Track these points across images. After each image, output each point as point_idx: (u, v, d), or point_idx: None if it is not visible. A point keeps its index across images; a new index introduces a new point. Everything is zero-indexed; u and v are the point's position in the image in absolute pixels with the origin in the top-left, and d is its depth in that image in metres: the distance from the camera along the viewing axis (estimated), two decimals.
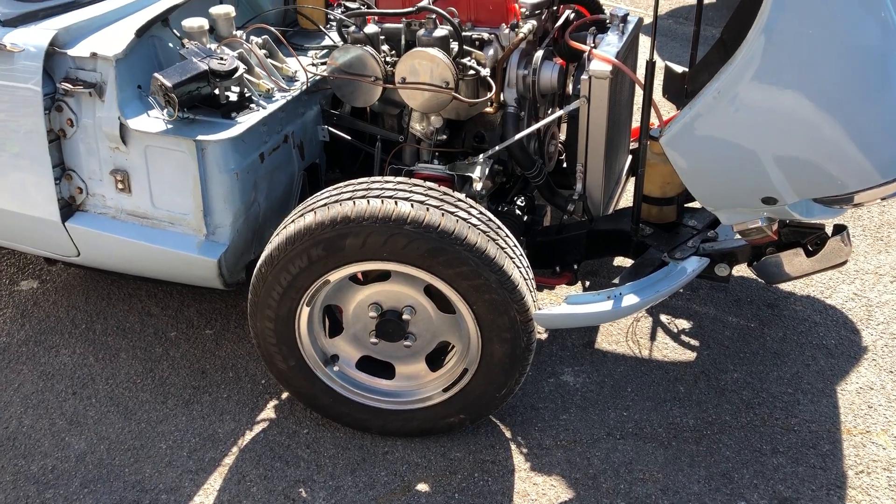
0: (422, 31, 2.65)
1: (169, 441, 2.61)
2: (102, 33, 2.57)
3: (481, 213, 2.33)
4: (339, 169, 3.20)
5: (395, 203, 2.22)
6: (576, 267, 2.86)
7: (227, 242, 2.55)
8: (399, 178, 2.34)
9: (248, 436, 2.63)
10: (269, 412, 2.72)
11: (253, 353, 2.98)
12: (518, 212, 2.82)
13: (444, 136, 2.84)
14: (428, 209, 2.22)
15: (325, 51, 3.02)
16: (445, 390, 2.48)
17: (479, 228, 2.25)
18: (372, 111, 2.95)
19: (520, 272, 2.30)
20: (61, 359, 2.97)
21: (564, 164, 3.23)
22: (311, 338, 2.48)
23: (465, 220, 2.24)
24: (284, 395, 2.78)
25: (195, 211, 2.53)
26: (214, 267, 2.56)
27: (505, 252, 2.28)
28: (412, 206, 2.22)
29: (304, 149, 2.82)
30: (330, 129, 2.89)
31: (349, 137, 2.94)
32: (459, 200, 2.31)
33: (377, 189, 2.29)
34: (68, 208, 2.69)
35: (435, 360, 2.55)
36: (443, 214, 2.22)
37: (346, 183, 2.37)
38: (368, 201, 2.23)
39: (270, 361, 2.51)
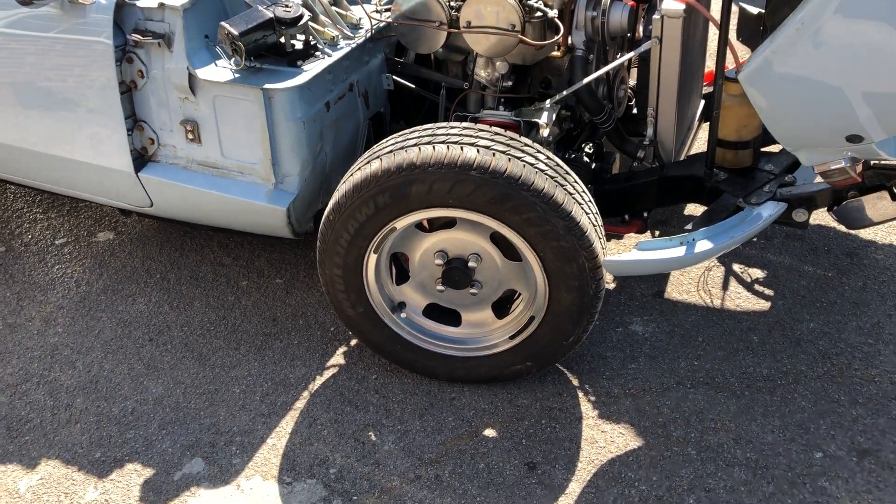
0: None
1: (242, 386, 2.68)
2: None
3: (549, 158, 2.29)
4: (404, 118, 3.19)
5: (461, 148, 2.20)
6: (645, 215, 2.79)
7: (296, 191, 2.58)
8: (464, 124, 2.31)
9: (319, 381, 2.68)
10: (338, 358, 2.76)
11: (322, 301, 3.02)
12: (586, 159, 2.77)
13: (510, 83, 2.79)
14: (494, 154, 2.19)
15: None
16: (512, 338, 2.48)
17: (546, 174, 2.21)
18: (436, 58, 2.91)
19: (588, 218, 2.26)
20: (138, 307, 3.06)
21: (634, 110, 3.14)
22: (379, 285, 2.50)
23: (532, 165, 2.21)
24: (353, 342, 2.82)
25: (264, 160, 2.55)
26: (283, 215, 2.59)
27: (573, 198, 2.24)
28: (478, 151, 2.19)
29: (369, 98, 2.81)
30: (394, 77, 2.86)
31: (413, 86, 2.91)
32: (526, 145, 2.28)
33: (442, 135, 2.26)
34: (141, 159, 2.74)
35: (501, 307, 2.54)
36: (509, 160, 2.19)
37: (410, 130, 2.35)
38: (434, 147, 2.21)
39: (339, 308, 2.54)
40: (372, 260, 2.42)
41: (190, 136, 2.62)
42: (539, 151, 2.28)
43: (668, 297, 2.92)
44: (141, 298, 3.11)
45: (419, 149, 2.22)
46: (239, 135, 2.55)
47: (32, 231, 3.52)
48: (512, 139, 2.27)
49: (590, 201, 2.33)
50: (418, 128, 2.35)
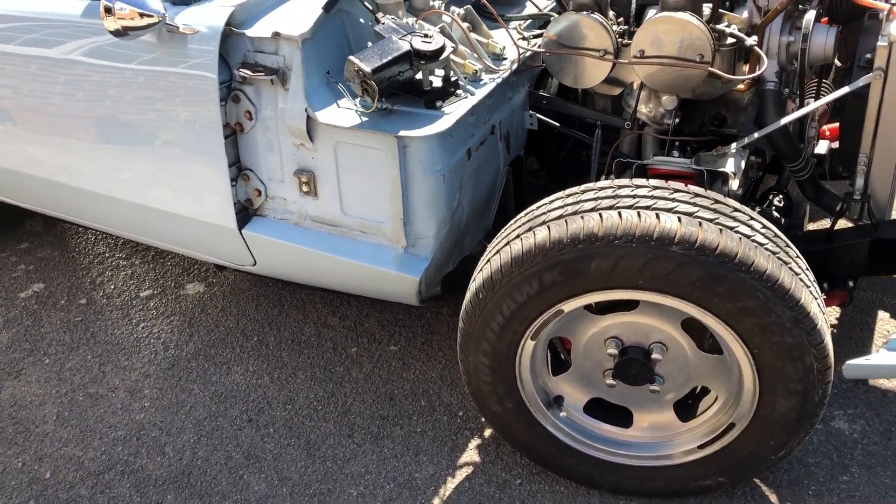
0: None
1: (360, 486, 2.25)
2: (284, 8, 2.19)
3: (765, 226, 1.80)
4: (540, 161, 2.73)
5: (657, 216, 1.72)
6: (851, 285, 2.27)
7: (430, 256, 2.14)
8: (654, 183, 1.84)
9: (451, 484, 2.22)
10: (471, 454, 2.31)
11: (445, 376, 2.58)
12: (776, 214, 2.26)
13: (676, 120, 2.30)
14: (700, 223, 1.71)
15: (528, 21, 2.53)
16: (701, 447, 1.98)
17: (767, 249, 1.72)
18: (583, 91, 2.45)
19: (817, 306, 1.76)
20: (233, 377, 2.66)
21: (818, 149, 2.62)
22: (533, 376, 2.03)
23: (748, 237, 1.72)
24: (487, 433, 2.36)
25: (393, 219, 2.12)
26: (414, 285, 2.15)
27: (800, 280, 1.74)
28: (679, 220, 1.71)
29: (510, 140, 2.36)
30: (538, 115, 2.41)
31: (558, 124, 2.45)
32: (737, 210, 1.79)
33: (628, 196, 1.80)
34: (244, 213, 2.34)
35: (684, 405, 2.05)
36: (720, 230, 1.71)
37: (584, 188, 1.89)
38: (620, 214, 1.74)
39: (482, 402, 2.09)
40: (528, 347, 1.96)
41: (304, 188, 2.21)
42: (753, 218, 1.79)
43: (874, 384, 2.39)
44: (237, 367, 2.71)
45: (600, 216, 1.75)
46: (364, 189, 2.13)
47: (115, 280, 3.17)
48: (718, 202, 1.79)
49: (814, 282, 1.83)
50: (592, 186, 1.88)
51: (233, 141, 2.24)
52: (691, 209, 1.74)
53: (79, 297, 3.09)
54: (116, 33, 2.11)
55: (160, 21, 2.11)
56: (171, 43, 2.17)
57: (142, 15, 2.09)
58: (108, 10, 2.08)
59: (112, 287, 3.14)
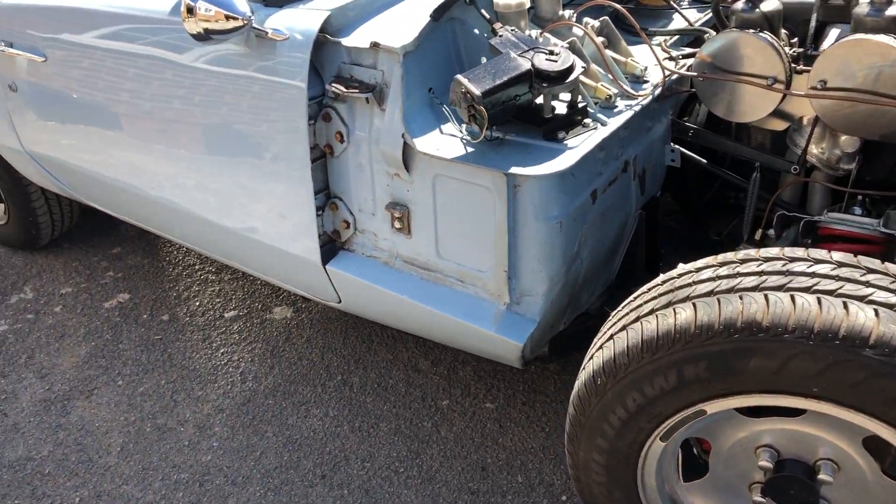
0: (864, 9, 1.67)
1: None
2: (387, 14, 1.88)
3: None
4: (679, 201, 2.32)
5: (845, 306, 1.30)
6: None
7: (537, 318, 1.78)
8: (840, 257, 1.41)
9: None
10: None
11: (548, 448, 2.21)
12: None
13: (853, 165, 1.85)
14: None
15: (674, 37, 2.13)
16: None
17: None
18: (737, 123, 2.03)
19: None
20: (311, 422, 2.38)
21: None
22: (659, 482, 1.64)
23: None
24: None
25: (495, 270, 1.77)
26: (517, 350, 1.80)
27: None
28: (876, 313, 1.28)
29: (646, 179, 1.97)
30: (682, 150, 2.01)
31: (705, 161, 2.04)
32: None
33: (804, 274, 1.38)
34: (331, 246, 2.05)
35: None
36: None
37: (743, 256, 1.48)
38: (794, 298, 1.33)
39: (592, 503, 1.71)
40: (656, 449, 1.57)
41: (397, 224, 1.89)
42: None
43: None
44: (316, 409, 2.43)
45: (766, 298, 1.34)
46: (464, 231, 1.79)
47: (201, 297, 2.96)
48: None
49: None
50: (754, 255, 1.47)
51: (321, 165, 1.95)
52: (892, 298, 1.31)
53: (162, 313, 2.91)
54: (198, 37, 1.85)
55: (246, 24, 1.84)
56: (259, 49, 1.90)
57: (227, 17, 1.83)
58: (191, 11, 1.82)
59: (197, 304, 2.93)
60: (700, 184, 2.24)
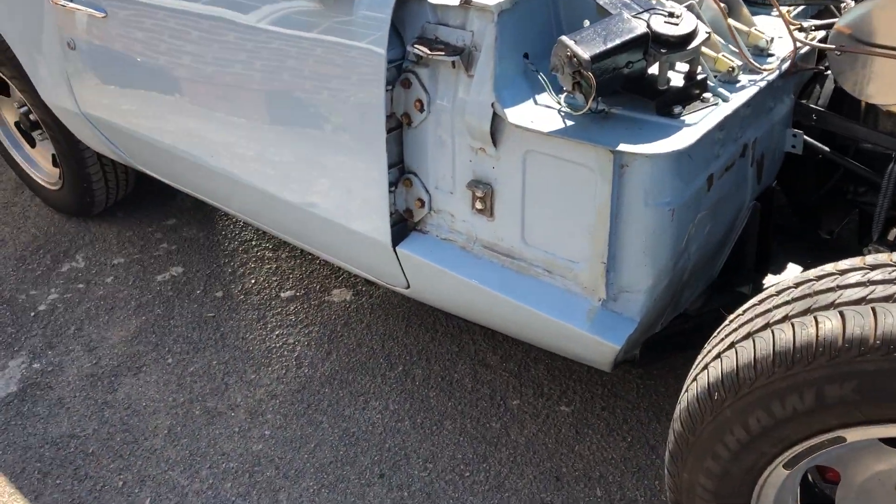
0: None
1: None
2: None
3: None
4: (789, 194, 2.08)
5: None
6: None
7: (637, 317, 1.57)
8: None
9: None
10: None
11: (629, 460, 2.00)
12: None
13: None
14: None
15: (799, 7, 1.88)
16: None
17: None
18: (866, 105, 1.78)
19: None
20: (370, 415, 2.21)
21: None
22: None
23: None
24: None
25: (591, 261, 1.56)
26: (611, 353, 1.59)
27: None
28: None
29: (764, 165, 1.73)
30: (805, 136, 1.77)
31: (827, 148, 1.80)
32: None
33: None
34: (402, 226, 1.87)
35: None
36: None
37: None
38: None
39: None
40: (777, 477, 1.35)
41: (478, 204, 1.69)
42: None
43: None
44: (375, 401, 2.26)
45: None
46: (557, 215, 1.59)
47: (257, 274, 2.81)
48: None
49: None
50: None
51: (397, 136, 1.76)
52: None
53: (216, 289, 2.76)
54: None
55: None
56: (334, 6, 1.71)
57: None
58: None
59: (252, 281, 2.78)
60: (816, 175, 1.99)
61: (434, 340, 2.44)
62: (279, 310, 2.64)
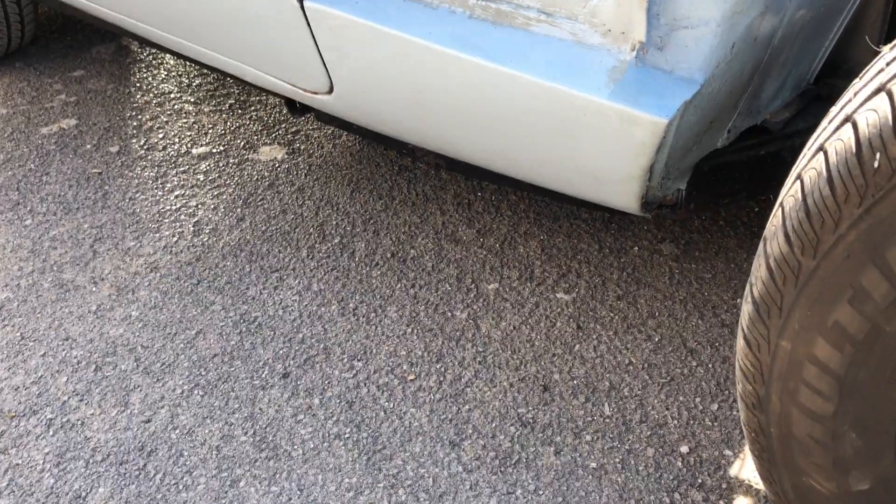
0: None
1: None
2: None
3: None
4: None
5: None
6: None
7: (700, 76, 0.87)
8: None
9: None
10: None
11: (656, 367, 1.33)
12: None
13: None
14: None
15: None
16: None
17: None
18: None
19: None
20: (282, 296, 1.55)
21: None
22: None
23: None
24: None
25: None
26: (654, 136, 0.90)
27: None
28: None
29: None
30: None
31: None
32: None
33: None
34: None
35: None
36: None
37: None
38: None
39: None
40: None
41: None
42: None
43: None
44: (293, 280, 1.59)
45: None
46: None
47: (168, 129, 2.13)
48: None
49: None
50: None
51: None
52: None
53: (111, 144, 2.09)
54: None
55: None
56: None
57: None
58: None
59: (161, 136, 2.10)
60: None
61: (388, 209, 1.77)
62: (186, 167, 1.96)
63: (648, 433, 1.22)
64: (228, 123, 2.14)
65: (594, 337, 1.40)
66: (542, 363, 1.35)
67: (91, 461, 1.25)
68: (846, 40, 1.14)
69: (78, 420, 1.33)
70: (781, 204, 0.72)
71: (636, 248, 1.58)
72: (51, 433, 1.31)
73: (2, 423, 1.33)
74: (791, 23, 0.96)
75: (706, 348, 1.36)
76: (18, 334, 1.51)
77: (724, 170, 1.13)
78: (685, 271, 1.52)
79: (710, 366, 1.33)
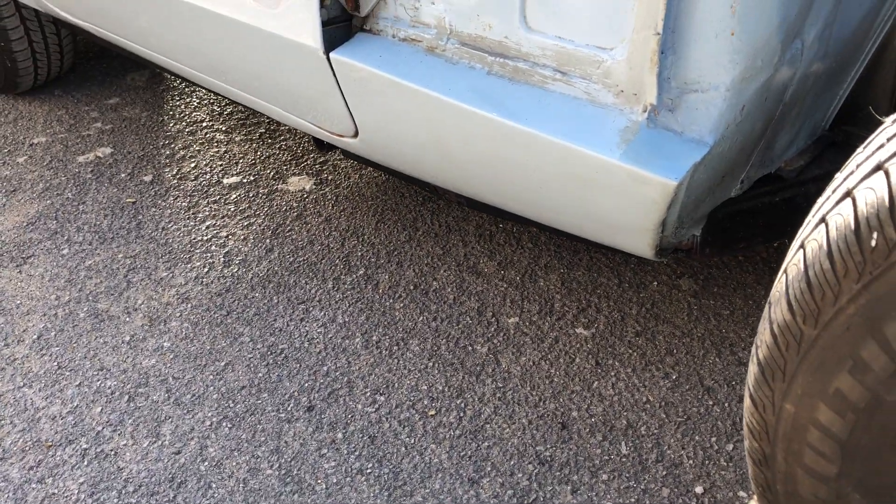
0: None
1: None
2: None
3: None
4: None
5: None
6: None
7: (710, 138, 0.90)
8: None
9: None
10: None
11: (674, 405, 1.35)
12: None
13: None
14: None
15: None
16: None
17: None
18: None
19: None
20: (308, 328, 1.59)
21: None
22: None
23: None
24: None
25: (636, 39, 0.90)
26: (663, 197, 0.93)
27: None
28: None
29: None
30: None
31: None
32: None
33: None
34: (341, 24, 1.22)
35: None
36: None
37: None
38: None
39: None
40: None
41: None
42: None
43: None
44: (319, 311, 1.63)
45: None
46: None
47: (200, 158, 2.20)
48: None
49: None
50: None
51: None
52: None
53: (145, 172, 2.15)
54: None
55: None
56: None
57: None
58: None
59: (192, 165, 2.17)
60: None
61: (412, 240, 1.81)
62: (217, 197, 2.02)
63: (664, 473, 1.24)
64: (259, 153, 2.19)
65: (612, 374, 1.42)
66: (561, 400, 1.37)
67: (123, 492, 1.31)
68: (861, 87, 1.16)
69: (111, 450, 1.38)
70: (785, 271, 0.74)
71: (655, 283, 1.60)
72: (85, 463, 1.36)
73: (40, 453, 1.38)
74: (803, 78, 0.99)
75: (723, 387, 1.38)
76: (56, 364, 1.57)
77: (739, 216, 1.15)
78: (703, 307, 1.53)
79: (726, 405, 1.35)
